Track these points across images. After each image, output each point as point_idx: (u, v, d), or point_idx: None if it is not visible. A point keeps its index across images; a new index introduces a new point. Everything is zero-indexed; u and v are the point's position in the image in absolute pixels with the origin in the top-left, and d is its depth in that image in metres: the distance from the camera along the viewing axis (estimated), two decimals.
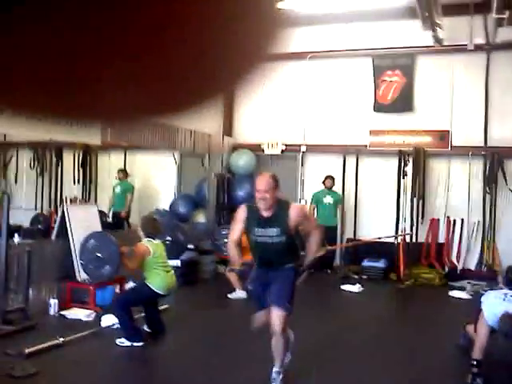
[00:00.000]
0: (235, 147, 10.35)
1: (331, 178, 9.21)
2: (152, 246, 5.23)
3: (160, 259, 5.27)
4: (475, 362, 4.35)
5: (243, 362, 4.70)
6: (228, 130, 10.54)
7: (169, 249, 5.99)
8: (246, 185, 9.98)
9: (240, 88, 0.37)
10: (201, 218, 9.44)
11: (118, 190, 9.96)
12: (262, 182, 3.88)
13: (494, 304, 4.32)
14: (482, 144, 8.92)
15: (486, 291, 7.74)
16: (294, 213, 3.89)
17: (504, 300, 4.31)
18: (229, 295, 7.02)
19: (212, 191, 9.66)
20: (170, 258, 5.79)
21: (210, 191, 9.63)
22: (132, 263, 5.24)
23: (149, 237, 5.32)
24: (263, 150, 10.22)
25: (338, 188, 9.48)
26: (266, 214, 3.86)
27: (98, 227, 6.67)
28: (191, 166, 10.54)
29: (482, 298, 4.58)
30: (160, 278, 5.19)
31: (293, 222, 3.87)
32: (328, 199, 9.11)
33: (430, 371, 4.74)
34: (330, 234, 8.87)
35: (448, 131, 9.13)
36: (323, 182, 9.21)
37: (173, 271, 5.47)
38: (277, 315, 3.89)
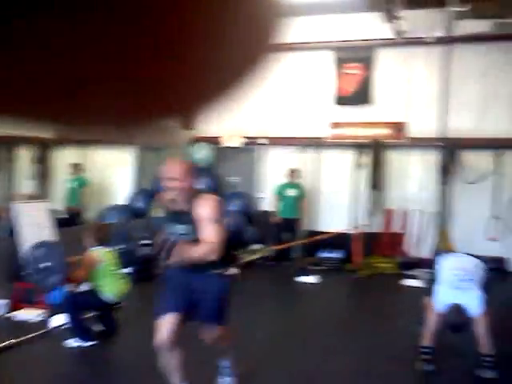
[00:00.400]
0: (195, 140, 10.29)
1: (295, 170, 9.22)
2: (102, 255, 5.15)
3: (110, 267, 5.20)
4: (425, 350, 4.45)
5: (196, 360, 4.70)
6: (188, 122, 10.44)
7: (121, 256, 5.92)
8: (205, 178, 9.94)
9: (246, 81, 0.36)
10: (158, 212, 9.36)
11: (72, 184, 9.80)
12: (172, 169, 3.29)
13: (445, 292, 4.40)
14: (439, 135, 9.06)
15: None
16: (206, 207, 3.26)
17: (454, 289, 4.37)
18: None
19: None
20: (123, 266, 5.75)
21: None
22: (81, 273, 5.17)
23: (100, 244, 5.24)
24: (222, 143, 10.19)
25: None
26: (180, 207, 3.28)
27: (49, 225, 6.55)
28: (150, 160, 10.44)
29: (437, 262, 4.66)
30: (111, 285, 5.14)
31: (203, 217, 3.24)
32: (291, 192, 9.12)
33: (385, 359, 4.81)
34: (291, 226, 8.96)
35: (406, 123, 9.25)
36: (287, 175, 9.20)
37: (125, 278, 5.43)
38: (213, 333, 3.57)
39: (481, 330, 4.26)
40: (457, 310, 4.23)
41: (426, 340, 4.44)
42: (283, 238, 9.01)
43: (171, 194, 3.26)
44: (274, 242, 9.13)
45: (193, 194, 3.28)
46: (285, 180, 9.24)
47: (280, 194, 9.17)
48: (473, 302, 4.26)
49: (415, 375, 4.44)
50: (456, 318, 4.21)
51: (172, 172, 3.25)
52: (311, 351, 4.97)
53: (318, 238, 7.75)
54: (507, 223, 8.74)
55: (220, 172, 10.35)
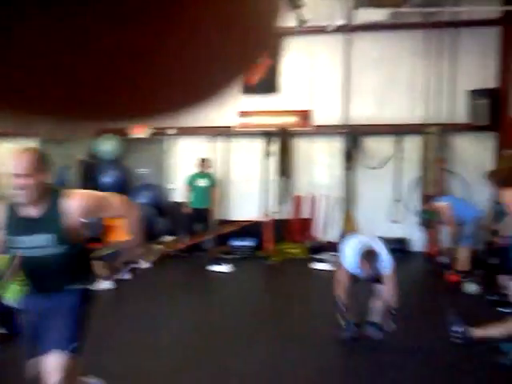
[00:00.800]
0: (100, 132, 9.96)
1: (205, 160, 9.14)
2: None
3: (8, 272, 4.92)
4: (344, 309, 4.65)
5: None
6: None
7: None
8: (112, 171, 9.68)
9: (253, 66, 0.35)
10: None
11: None
12: (21, 162, 2.54)
13: (355, 242, 4.61)
14: (342, 123, 9.37)
15: None
16: (75, 207, 2.64)
17: (364, 238, 4.67)
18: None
19: (75, 179, 9.24)
20: None
21: (71, 179, 9.20)
22: None
23: None
24: (129, 134, 9.95)
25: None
26: (31, 212, 2.63)
27: None
28: (54, 153, 9.97)
29: (343, 244, 4.85)
30: (13, 291, 4.87)
31: (74, 222, 2.66)
32: (202, 182, 9.04)
33: (300, 341, 4.91)
34: (203, 216, 8.91)
35: (311, 111, 9.47)
36: (197, 165, 9.12)
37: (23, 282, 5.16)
38: (57, 363, 2.65)
39: (389, 286, 4.50)
40: (369, 252, 4.42)
41: (342, 297, 4.64)
42: (195, 228, 8.96)
43: (17, 193, 2.56)
44: (186, 232, 9.06)
45: (48, 192, 2.63)
46: (195, 170, 9.19)
47: (191, 184, 9.10)
48: (384, 252, 4.52)
49: (325, 355, 4.57)
50: (371, 248, 4.45)
51: (18, 166, 2.53)
52: (226, 340, 4.97)
53: (231, 228, 7.77)
54: (408, 206, 9.22)
55: (128, 164, 10.12)
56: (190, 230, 8.96)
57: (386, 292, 4.52)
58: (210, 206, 9.03)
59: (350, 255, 4.54)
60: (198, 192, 9.01)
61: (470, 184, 9.07)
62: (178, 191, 9.66)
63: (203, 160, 9.14)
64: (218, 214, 9.66)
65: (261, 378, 4.20)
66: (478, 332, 4.53)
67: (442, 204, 7.10)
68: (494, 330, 4.50)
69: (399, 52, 9.28)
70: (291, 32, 9.06)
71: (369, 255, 4.39)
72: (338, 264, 4.82)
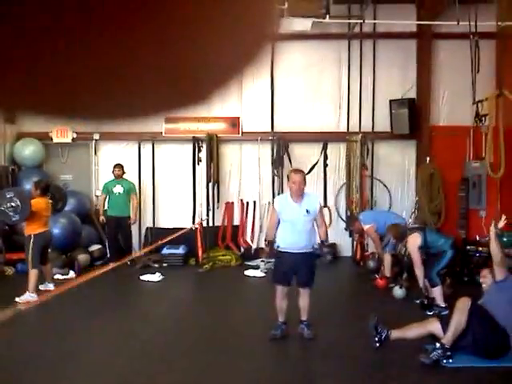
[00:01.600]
0: (19, 136, 9.50)
1: (120, 166, 8.79)
2: None
3: None
4: (267, 242, 5.24)
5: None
6: (11, 117, 9.59)
7: None
8: (34, 177, 9.23)
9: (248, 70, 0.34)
10: None
11: None
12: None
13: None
14: (270, 130, 9.50)
15: None
16: None
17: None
18: (17, 299, 6.44)
19: None
20: None
21: None
22: None
23: None
24: (52, 139, 9.55)
25: (133, 176, 9.30)
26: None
27: None
28: None
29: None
30: None
31: None
32: (118, 188, 8.71)
33: (229, 348, 4.92)
34: (123, 224, 8.66)
35: (239, 118, 9.52)
36: (113, 171, 8.82)
37: None
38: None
39: (320, 223, 5.10)
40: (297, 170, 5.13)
41: (270, 235, 5.16)
42: (118, 236, 8.72)
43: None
44: (110, 241, 8.80)
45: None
46: (112, 177, 8.85)
47: (107, 191, 8.76)
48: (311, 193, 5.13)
49: (259, 363, 4.62)
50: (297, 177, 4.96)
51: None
52: (156, 352, 4.89)
53: (162, 241, 7.61)
54: (335, 211, 9.49)
55: (50, 170, 9.72)
56: (113, 238, 8.70)
57: (319, 229, 5.09)
58: (128, 213, 8.76)
59: (280, 197, 5.44)
60: (115, 199, 8.71)
61: (392, 190, 9.49)
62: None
63: (117, 166, 8.81)
64: (146, 222, 9.50)
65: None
66: (395, 333, 4.74)
67: (366, 226, 7.57)
68: (411, 332, 4.74)
69: (324, 61, 9.55)
70: None
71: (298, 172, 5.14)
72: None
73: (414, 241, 6.22)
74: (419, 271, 6.12)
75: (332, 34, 9.35)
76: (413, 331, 4.73)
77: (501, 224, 5.14)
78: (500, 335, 4.50)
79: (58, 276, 7.63)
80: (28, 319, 5.89)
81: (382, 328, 4.74)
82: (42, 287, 6.89)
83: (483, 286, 4.83)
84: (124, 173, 8.84)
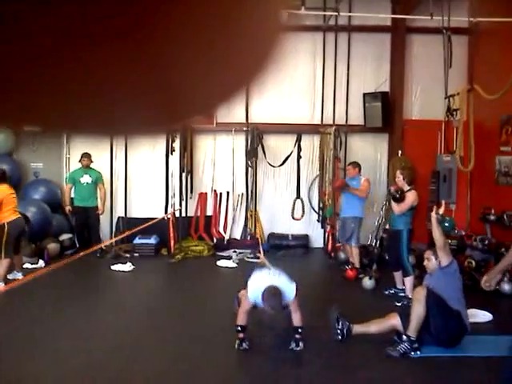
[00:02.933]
0: None
1: (87, 155, 8.60)
2: None
3: None
4: (239, 328, 4.65)
5: None
6: None
7: None
8: (3, 166, 9.04)
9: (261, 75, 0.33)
10: None
11: None
12: None
13: (260, 279, 4.62)
14: (244, 121, 9.48)
15: (250, 258, 8.39)
16: None
17: (267, 274, 4.63)
18: None
19: None
20: None
21: None
22: None
23: None
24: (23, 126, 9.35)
25: (106, 165, 9.20)
26: None
27: None
28: None
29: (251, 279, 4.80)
30: None
31: None
32: (86, 178, 8.55)
33: (200, 338, 4.92)
34: (90, 215, 8.51)
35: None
36: (80, 161, 8.66)
37: None
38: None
39: (294, 310, 4.59)
40: (272, 290, 4.42)
41: (240, 320, 4.64)
42: (88, 226, 8.60)
43: None
44: (78, 231, 8.67)
45: None
46: (78, 165, 8.70)
47: (73, 181, 8.57)
48: (287, 286, 4.53)
49: (231, 355, 4.62)
50: (272, 298, 4.40)
51: None
52: (127, 342, 4.87)
53: (134, 230, 7.54)
54: (308, 203, 9.54)
55: (21, 158, 9.54)
56: (81, 228, 8.59)
57: (293, 315, 4.60)
58: (96, 203, 8.63)
59: (254, 290, 4.55)
60: (81, 189, 8.55)
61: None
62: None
63: (85, 155, 8.62)
64: (117, 211, 9.41)
65: (165, 379, 4.18)
66: (358, 328, 4.81)
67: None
68: (373, 327, 4.81)
69: (299, 53, 9.54)
70: None
71: (273, 295, 4.40)
72: (244, 290, 4.83)
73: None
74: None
75: (307, 26, 9.35)
76: (375, 326, 4.81)
77: (441, 210, 5.27)
78: (455, 318, 4.61)
79: (27, 265, 7.51)
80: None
81: (343, 321, 4.79)
82: (10, 276, 6.79)
83: (428, 267, 4.92)
84: (92, 162, 8.67)
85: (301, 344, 4.63)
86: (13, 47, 0.25)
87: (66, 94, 0.28)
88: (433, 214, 5.10)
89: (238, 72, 0.33)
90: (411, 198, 6.30)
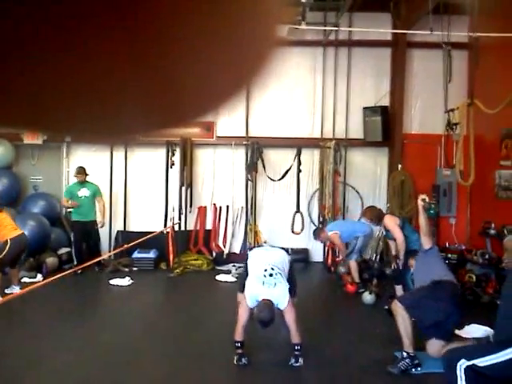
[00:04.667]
0: None
1: (81, 169, 8.45)
2: None
3: None
4: (238, 344, 4.59)
5: None
6: None
7: None
8: (3, 179, 9.05)
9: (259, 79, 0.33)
10: None
11: None
12: None
13: (255, 288, 4.56)
14: (244, 134, 9.49)
15: None
16: None
17: (263, 284, 4.53)
18: None
19: None
20: None
21: None
22: None
23: None
24: (22, 140, 9.37)
25: (105, 179, 9.19)
26: None
27: None
28: None
29: (247, 257, 4.93)
30: None
31: None
32: (83, 192, 8.42)
33: (198, 354, 4.86)
34: (90, 229, 8.37)
35: (213, 122, 9.48)
36: (76, 174, 8.49)
37: None
38: None
39: (289, 319, 4.52)
40: (265, 306, 4.39)
41: (238, 335, 4.59)
42: (86, 241, 8.49)
43: None
44: (76, 247, 8.53)
45: None
46: (75, 180, 8.57)
47: (71, 195, 8.43)
48: (281, 297, 4.48)
49: (231, 371, 4.56)
50: (264, 314, 4.36)
51: None
52: (123, 358, 4.81)
53: (133, 243, 7.49)
54: (308, 217, 9.51)
55: (20, 171, 9.54)
56: (79, 242, 8.46)
57: (289, 326, 4.54)
58: (95, 217, 8.52)
59: (251, 298, 4.52)
60: (80, 203, 8.39)
61: (364, 196, 9.55)
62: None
63: (79, 169, 8.47)
64: (116, 226, 9.37)
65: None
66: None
67: (331, 234, 7.57)
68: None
69: (299, 68, 9.57)
70: None
71: (266, 309, 4.37)
72: (240, 297, 4.81)
73: (393, 219, 6.44)
74: (402, 245, 6.22)
75: (307, 41, 9.39)
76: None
77: (427, 197, 5.36)
78: (441, 310, 4.59)
79: (25, 279, 7.47)
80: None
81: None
82: (7, 290, 6.74)
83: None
84: (87, 175, 8.55)
85: (300, 360, 4.57)
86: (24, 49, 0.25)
87: (69, 97, 0.28)
88: (419, 201, 5.24)
89: (237, 73, 0.33)
90: (391, 223, 6.39)
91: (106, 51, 0.26)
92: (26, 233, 7.07)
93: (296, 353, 4.58)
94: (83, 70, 0.27)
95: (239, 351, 4.60)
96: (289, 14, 0.34)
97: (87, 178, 8.55)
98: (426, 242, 5.05)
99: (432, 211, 6.43)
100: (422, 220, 5.07)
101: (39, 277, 7.74)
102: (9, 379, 4.26)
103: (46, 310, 6.32)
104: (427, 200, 5.31)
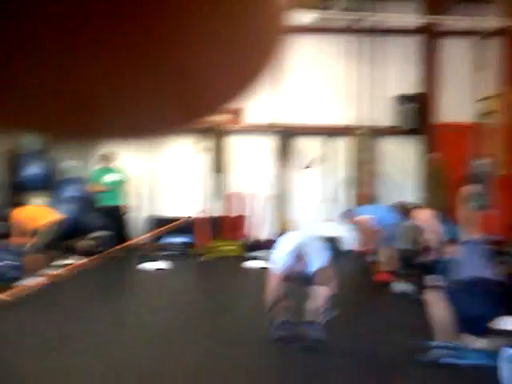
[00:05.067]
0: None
1: (109, 153, 8.60)
2: None
3: None
4: (272, 315, 4.66)
5: None
6: None
7: None
8: (38, 163, 9.17)
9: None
10: None
11: None
12: None
13: (286, 249, 4.58)
14: (275, 122, 9.45)
15: None
16: None
17: (293, 241, 4.60)
18: (21, 282, 6.43)
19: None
20: None
21: None
22: None
23: None
24: None
25: (135, 164, 9.26)
26: None
27: None
28: None
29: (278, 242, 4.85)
30: None
31: None
32: (111, 177, 8.55)
33: (229, 338, 4.90)
34: (117, 214, 8.51)
35: (244, 109, 9.46)
36: (102, 160, 8.66)
37: None
38: None
39: (318, 281, 4.52)
40: (298, 253, 4.43)
41: (270, 295, 4.61)
42: (114, 226, 8.58)
43: None
44: (108, 229, 8.64)
45: None
46: (100, 165, 8.68)
47: (97, 180, 8.58)
48: (315, 257, 4.52)
49: (265, 355, 4.59)
50: (295, 262, 4.42)
51: None
52: (158, 340, 4.88)
53: (163, 228, 7.59)
54: (338, 205, 9.44)
55: (54, 156, 9.68)
56: (108, 229, 8.53)
57: (320, 290, 4.56)
58: (121, 202, 8.60)
59: (283, 253, 4.55)
60: (107, 188, 8.52)
61: (396, 185, 9.44)
62: None
63: (107, 154, 8.58)
64: (150, 210, 9.47)
65: (195, 379, 4.16)
66: None
67: (361, 218, 7.41)
68: None
69: (331, 55, 9.46)
70: None
71: (301, 254, 4.42)
72: (270, 267, 4.83)
73: (425, 212, 6.31)
74: (436, 236, 6.16)
75: (340, 28, 9.27)
76: None
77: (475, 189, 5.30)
78: (476, 305, 4.51)
79: (59, 262, 7.62)
80: (27, 304, 5.88)
81: None
82: (43, 272, 6.90)
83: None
84: (112, 161, 8.66)
85: (331, 312, 4.57)
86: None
87: (87, 101, 0.28)
88: (463, 191, 5.07)
89: (246, 68, 0.33)
90: (424, 216, 6.28)
91: (106, 55, 0.26)
92: (60, 217, 7.20)
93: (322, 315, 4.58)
94: (84, 72, 0.26)
95: (273, 323, 4.69)
96: (315, 1, 0.33)
97: (116, 163, 8.65)
98: (466, 233, 4.91)
99: (479, 202, 6.33)
100: (464, 211, 4.92)
101: (72, 260, 7.89)
102: (46, 360, 4.36)
103: (78, 293, 6.45)
104: (474, 191, 5.19)
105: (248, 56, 0.32)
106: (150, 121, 0.32)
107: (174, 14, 0.26)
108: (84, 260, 7.79)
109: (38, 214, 6.84)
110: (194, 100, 0.32)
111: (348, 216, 7.81)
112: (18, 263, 6.71)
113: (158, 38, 0.27)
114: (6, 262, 6.76)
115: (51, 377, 4.05)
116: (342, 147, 9.46)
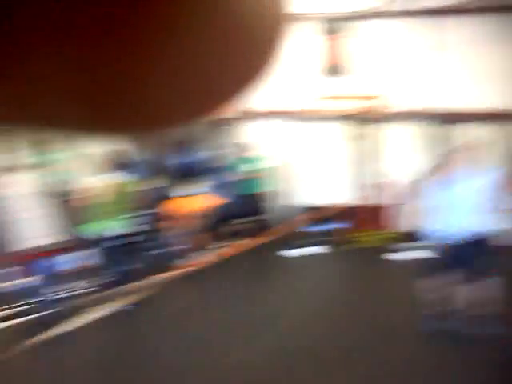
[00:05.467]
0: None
1: (243, 144, 8.81)
2: None
3: None
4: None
5: None
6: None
7: None
8: (198, 152, 9.50)
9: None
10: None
11: None
12: None
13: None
14: (427, 107, 9.03)
15: None
16: None
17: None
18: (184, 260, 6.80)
19: None
20: None
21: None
22: None
23: None
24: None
25: (279, 153, 9.31)
26: None
27: None
28: None
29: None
30: None
31: None
32: (249, 166, 8.69)
33: (380, 330, 4.79)
34: (254, 203, 8.67)
35: (389, 95, 9.14)
36: (240, 150, 8.83)
37: None
38: None
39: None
40: None
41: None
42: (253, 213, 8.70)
43: None
44: (249, 217, 8.78)
45: None
46: (241, 154, 8.85)
47: (236, 168, 8.74)
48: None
49: (417, 349, 4.43)
50: None
51: None
52: (313, 326, 4.89)
53: (309, 217, 7.61)
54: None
55: (212, 145, 10.00)
56: (249, 217, 8.71)
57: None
58: (261, 189, 8.76)
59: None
60: (246, 177, 8.68)
61: None
62: None
63: (242, 144, 8.77)
64: (302, 199, 9.43)
65: (349, 365, 4.10)
66: None
67: None
68: None
69: (489, 36, 8.82)
70: (367, 15, 8.79)
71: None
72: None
73: None
74: None
75: (496, 7, 8.60)
76: None
77: None
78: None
79: (214, 245, 7.92)
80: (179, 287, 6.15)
81: None
82: (198, 254, 7.22)
83: None
84: (255, 150, 8.81)
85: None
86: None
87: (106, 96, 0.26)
88: None
89: (250, 59, 0.31)
90: None
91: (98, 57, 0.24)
92: (220, 201, 7.45)
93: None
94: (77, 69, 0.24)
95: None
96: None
97: (255, 151, 8.79)
98: None
99: None
100: None
101: (226, 243, 8.16)
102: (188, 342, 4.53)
103: (225, 278, 6.65)
104: None
105: (251, 47, 0.30)
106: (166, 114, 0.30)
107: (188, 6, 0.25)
108: (238, 245, 8.03)
109: (198, 200, 7.17)
110: (201, 94, 0.30)
111: None
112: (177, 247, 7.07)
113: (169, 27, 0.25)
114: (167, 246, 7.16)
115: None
116: (498, 135, 8.79)
